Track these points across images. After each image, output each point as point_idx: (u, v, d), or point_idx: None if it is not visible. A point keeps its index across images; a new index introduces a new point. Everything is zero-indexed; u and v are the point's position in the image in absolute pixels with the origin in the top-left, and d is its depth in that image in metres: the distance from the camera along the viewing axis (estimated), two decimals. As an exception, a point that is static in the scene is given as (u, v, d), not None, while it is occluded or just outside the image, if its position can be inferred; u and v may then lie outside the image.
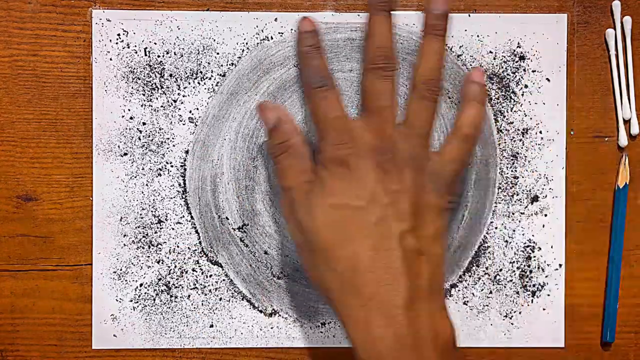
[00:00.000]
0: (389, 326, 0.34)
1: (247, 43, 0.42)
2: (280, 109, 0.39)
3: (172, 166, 0.42)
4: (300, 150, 0.38)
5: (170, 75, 0.41)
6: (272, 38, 0.42)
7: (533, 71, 0.42)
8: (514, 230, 0.42)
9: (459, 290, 0.42)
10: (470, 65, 0.42)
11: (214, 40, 0.41)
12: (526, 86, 0.42)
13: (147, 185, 0.42)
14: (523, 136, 0.42)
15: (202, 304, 0.42)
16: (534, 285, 0.42)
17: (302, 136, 0.39)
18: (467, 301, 0.42)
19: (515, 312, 0.42)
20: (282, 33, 0.42)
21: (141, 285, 0.42)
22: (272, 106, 0.39)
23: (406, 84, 0.42)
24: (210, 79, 0.42)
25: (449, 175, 0.37)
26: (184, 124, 0.42)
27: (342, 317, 0.35)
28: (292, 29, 0.41)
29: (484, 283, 0.42)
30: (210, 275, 0.42)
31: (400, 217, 0.35)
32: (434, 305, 0.35)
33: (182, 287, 0.42)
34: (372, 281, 0.34)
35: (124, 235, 0.42)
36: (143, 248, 0.42)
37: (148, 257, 0.42)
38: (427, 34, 0.38)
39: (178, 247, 0.42)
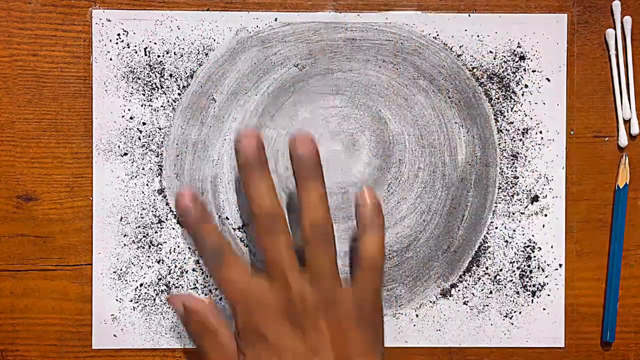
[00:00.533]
0: None
1: (247, 43, 0.42)
2: (187, 296, 0.38)
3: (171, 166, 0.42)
4: (217, 332, 0.37)
5: (170, 75, 0.41)
6: (271, 38, 0.42)
7: (533, 71, 0.42)
8: (514, 230, 0.42)
9: (459, 290, 0.42)
10: (471, 65, 0.42)
11: (214, 40, 0.41)
12: (526, 86, 0.42)
13: (147, 185, 0.42)
14: (523, 136, 0.42)
15: (202, 304, 0.42)
16: (534, 285, 0.42)
17: (218, 312, 0.37)
18: (467, 301, 0.42)
19: (515, 312, 0.42)
20: (282, 33, 0.42)
21: (141, 285, 0.42)
22: (177, 297, 0.38)
23: (406, 84, 0.42)
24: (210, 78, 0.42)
25: (368, 308, 0.36)
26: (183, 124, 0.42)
27: None
28: (292, 31, 0.41)
29: (484, 283, 0.42)
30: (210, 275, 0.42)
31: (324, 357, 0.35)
32: None
33: (182, 287, 0.42)
34: None
35: (124, 235, 0.42)
36: (143, 248, 0.42)
37: (148, 257, 0.42)
38: (301, 183, 0.36)
39: (178, 247, 0.42)
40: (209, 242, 0.36)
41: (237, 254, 0.37)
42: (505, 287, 0.42)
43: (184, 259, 0.42)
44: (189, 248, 0.42)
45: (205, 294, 0.42)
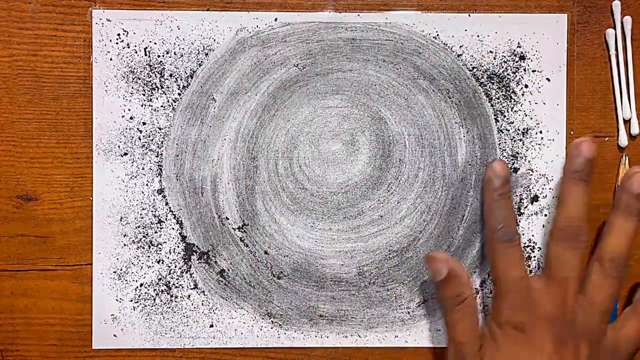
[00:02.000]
0: None
1: (247, 43, 0.42)
2: (451, 259, 0.39)
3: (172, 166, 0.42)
4: (472, 304, 0.38)
5: (170, 75, 0.42)
6: (271, 38, 0.42)
7: (533, 71, 0.42)
8: None
9: (459, 290, 0.42)
10: (471, 65, 0.42)
11: (214, 40, 0.41)
12: (526, 86, 0.42)
13: (147, 185, 0.42)
14: (523, 136, 0.42)
15: (202, 304, 0.42)
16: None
17: (473, 289, 0.39)
18: (467, 301, 0.42)
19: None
20: (282, 33, 0.42)
21: (141, 285, 0.42)
22: (443, 257, 0.39)
23: (406, 84, 0.42)
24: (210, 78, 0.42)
25: (625, 354, 0.37)
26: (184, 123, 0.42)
27: None
28: (292, 31, 0.41)
29: (484, 283, 0.42)
30: (210, 275, 0.42)
31: None
32: None
33: (182, 287, 0.42)
34: None
35: (124, 235, 0.42)
36: (143, 248, 0.42)
37: (148, 257, 0.42)
38: (620, 213, 0.37)
39: (178, 247, 0.42)
40: (508, 217, 0.38)
41: (521, 245, 0.38)
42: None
43: (184, 259, 0.42)
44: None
45: (205, 294, 0.42)
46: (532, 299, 0.37)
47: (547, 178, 0.42)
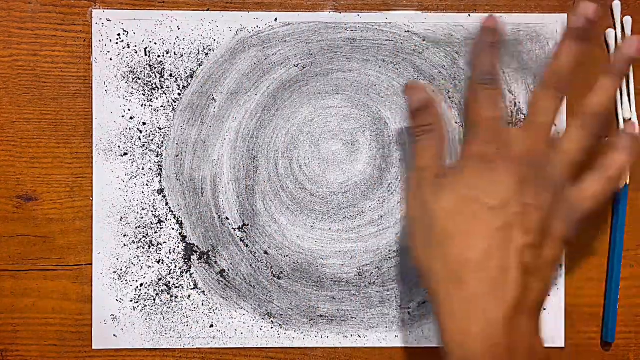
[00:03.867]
0: (486, 329, 0.33)
1: (247, 43, 0.42)
2: (427, 91, 0.38)
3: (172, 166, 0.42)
4: (442, 135, 0.38)
5: (170, 75, 0.41)
6: (271, 38, 0.42)
7: (533, 71, 0.42)
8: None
9: (459, 290, 0.42)
10: (466, 65, 0.42)
11: (214, 40, 0.41)
12: (526, 86, 0.42)
13: (147, 185, 0.42)
14: (523, 136, 0.42)
15: (202, 304, 0.42)
16: (534, 285, 0.42)
17: (445, 122, 0.39)
18: (467, 301, 0.42)
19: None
20: (282, 33, 0.42)
21: (141, 285, 0.42)
22: (420, 86, 0.38)
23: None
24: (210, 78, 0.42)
25: (584, 211, 0.37)
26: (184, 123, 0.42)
27: (439, 306, 0.35)
28: (292, 31, 0.41)
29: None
30: (210, 275, 0.42)
31: (525, 230, 0.34)
32: (533, 324, 0.34)
33: (182, 287, 0.42)
34: (480, 280, 0.34)
35: (124, 235, 0.42)
36: (143, 248, 0.42)
37: (148, 257, 0.42)
38: (606, 72, 0.37)
39: (178, 247, 0.42)
40: (492, 63, 0.37)
41: (501, 93, 0.37)
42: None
43: (184, 259, 0.42)
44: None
45: (205, 294, 0.42)
46: (505, 138, 0.36)
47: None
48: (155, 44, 0.41)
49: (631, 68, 0.42)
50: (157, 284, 0.42)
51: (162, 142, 0.42)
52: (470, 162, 0.36)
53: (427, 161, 0.37)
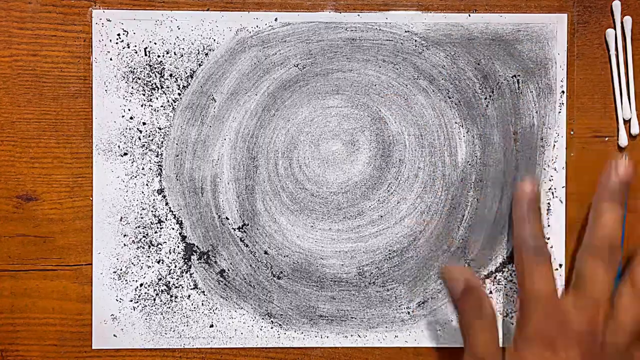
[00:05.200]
0: None
1: (247, 43, 0.42)
2: (466, 270, 0.39)
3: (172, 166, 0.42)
4: (492, 316, 0.38)
5: (170, 75, 0.42)
6: (271, 38, 0.42)
7: (533, 71, 0.42)
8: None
9: (459, 290, 0.42)
10: (471, 65, 0.42)
11: (214, 40, 0.41)
12: (526, 86, 0.42)
13: (147, 185, 0.42)
14: (523, 136, 0.42)
15: (202, 304, 0.42)
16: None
17: (491, 300, 0.38)
18: (467, 301, 0.42)
19: (515, 312, 0.42)
20: (282, 33, 0.42)
21: (141, 285, 0.42)
22: (458, 270, 0.39)
23: (406, 84, 0.42)
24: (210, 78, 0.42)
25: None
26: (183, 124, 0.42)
27: None
28: (292, 31, 0.41)
29: (484, 283, 0.42)
30: (210, 275, 0.42)
31: None
32: None
33: (182, 287, 0.42)
34: None
35: (124, 235, 0.42)
36: (143, 248, 0.42)
37: (148, 257, 0.42)
38: (604, 201, 0.37)
39: (178, 247, 0.42)
40: (537, 231, 0.37)
41: (551, 263, 0.38)
42: (505, 287, 0.42)
43: (184, 259, 0.42)
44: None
45: (205, 294, 0.42)
46: (562, 316, 0.36)
47: (547, 178, 0.42)
48: (155, 44, 0.41)
49: (631, 68, 0.42)
50: (157, 284, 0.42)
51: (162, 142, 0.42)
52: (530, 347, 0.36)
53: (484, 350, 0.37)
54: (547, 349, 0.36)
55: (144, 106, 0.42)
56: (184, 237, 0.42)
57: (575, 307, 0.37)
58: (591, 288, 0.37)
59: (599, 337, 0.36)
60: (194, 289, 0.42)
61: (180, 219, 0.42)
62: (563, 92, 0.42)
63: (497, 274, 0.42)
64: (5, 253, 0.41)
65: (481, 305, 0.37)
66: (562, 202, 0.42)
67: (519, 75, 0.42)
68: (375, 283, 0.42)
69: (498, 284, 0.42)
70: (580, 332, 0.36)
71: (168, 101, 0.42)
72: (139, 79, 0.41)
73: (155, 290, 0.42)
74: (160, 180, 0.42)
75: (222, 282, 0.42)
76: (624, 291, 0.37)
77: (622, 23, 0.42)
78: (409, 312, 0.42)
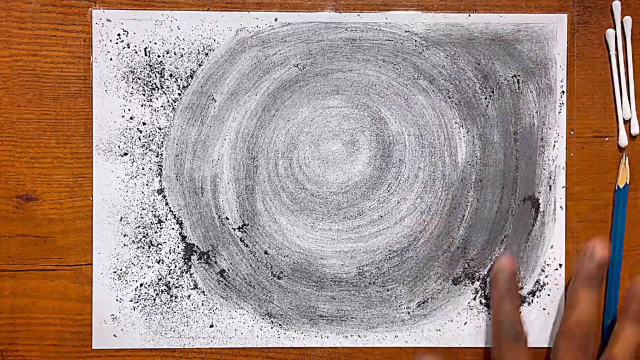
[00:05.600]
0: None
1: (247, 43, 0.42)
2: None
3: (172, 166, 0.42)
4: None
5: (171, 75, 0.41)
6: (271, 38, 0.42)
7: (533, 71, 0.42)
8: (514, 231, 0.42)
9: (459, 290, 0.42)
10: (471, 65, 0.42)
11: (214, 40, 0.41)
12: (526, 86, 0.42)
13: (147, 185, 0.42)
14: (523, 136, 0.42)
15: (202, 304, 0.42)
16: (534, 285, 0.42)
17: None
18: (468, 301, 0.42)
19: None
20: (282, 33, 0.42)
21: (141, 285, 0.42)
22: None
23: (406, 84, 0.42)
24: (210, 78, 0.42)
25: None
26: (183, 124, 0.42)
27: None
28: (292, 31, 0.42)
29: (484, 283, 0.42)
30: (210, 275, 0.42)
31: None
32: None
33: (182, 287, 0.42)
34: None
35: (124, 235, 0.42)
36: (143, 248, 0.42)
37: (148, 257, 0.42)
38: (630, 322, 0.37)
39: (178, 247, 0.42)
40: (513, 313, 0.38)
41: (527, 343, 0.38)
42: (505, 287, 0.42)
43: (184, 259, 0.42)
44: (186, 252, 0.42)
45: (205, 294, 0.42)
46: None
47: (547, 178, 0.42)
48: (155, 44, 0.41)
49: (631, 68, 0.42)
50: (157, 284, 0.42)
51: (162, 142, 0.42)
52: None
53: None
54: None
55: (144, 106, 0.42)
56: (184, 237, 0.42)
57: None
58: None
59: None
60: (194, 289, 0.42)
61: (180, 219, 0.42)
62: (563, 92, 0.42)
63: None
64: (5, 253, 0.41)
65: None
66: (562, 202, 0.42)
67: (519, 75, 0.42)
68: (375, 283, 0.42)
69: None
70: None
71: (168, 101, 0.42)
72: (139, 79, 0.41)
73: (155, 290, 0.42)
74: (160, 180, 0.42)
75: (222, 282, 0.42)
76: None
77: (622, 23, 0.42)
78: (409, 312, 0.42)
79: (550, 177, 0.42)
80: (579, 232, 0.42)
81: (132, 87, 0.41)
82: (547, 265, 0.42)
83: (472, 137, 0.42)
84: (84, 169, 0.42)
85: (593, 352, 0.37)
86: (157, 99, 0.42)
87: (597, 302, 0.37)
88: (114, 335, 0.42)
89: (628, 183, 0.42)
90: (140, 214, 0.42)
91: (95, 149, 0.41)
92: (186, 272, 0.42)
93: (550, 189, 0.42)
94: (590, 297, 0.37)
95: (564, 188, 0.42)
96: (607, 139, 0.42)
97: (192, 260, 0.42)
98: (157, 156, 0.42)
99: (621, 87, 0.42)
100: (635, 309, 0.37)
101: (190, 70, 0.42)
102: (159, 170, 0.42)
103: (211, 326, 0.42)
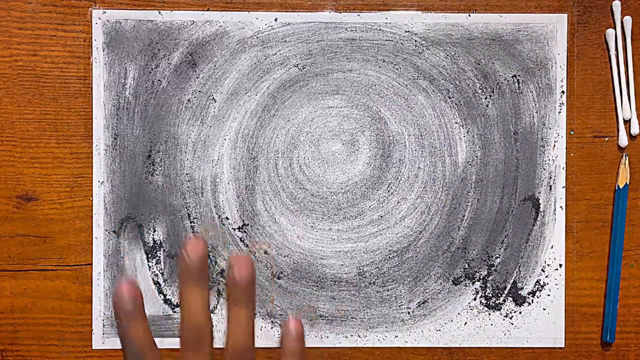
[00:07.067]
0: None
1: (247, 43, 0.42)
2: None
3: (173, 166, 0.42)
4: None
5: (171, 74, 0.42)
6: (271, 38, 0.42)
7: (533, 71, 0.42)
8: (514, 231, 0.42)
9: (459, 290, 0.42)
10: (471, 65, 0.42)
11: (214, 40, 0.41)
12: (526, 86, 0.42)
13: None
14: (523, 136, 0.42)
15: (202, 304, 0.42)
16: (534, 285, 0.42)
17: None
18: (468, 301, 0.42)
19: (515, 312, 0.42)
20: (282, 33, 0.42)
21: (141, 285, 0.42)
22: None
23: (406, 84, 0.42)
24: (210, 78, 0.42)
25: None
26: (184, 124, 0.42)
27: None
28: (292, 31, 0.42)
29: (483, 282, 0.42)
30: (210, 275, 0.42)
31: None
32: None
33: (182, 287, 0.42)
34: None
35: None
36: (143, 248, 0.42)
37: (148, 257, 0.42)
38: (232, 304, 0.34)
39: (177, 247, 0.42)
40: (135, 342, 0.34)
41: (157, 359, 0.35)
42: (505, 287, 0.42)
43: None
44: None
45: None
46: None
47: (547, 178, 0.42)
48: (156, 43, 0.41)
49: (631, 68, 0.42)
50: (157, 283, 0.42)
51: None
52: None
53: None
54: None
55: (144, 106, 0.42)
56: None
57: None
58: None
59: None
60: (194, 289, 0.42)
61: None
62: (563, 92, 0.42)
63: None
64: (5, 253, 0.41)
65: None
66: (562, 202, 0.42)
67: (519, 75, 0.42)
68: (375, 283, 0.42)
69: None
70: None
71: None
72: (139, 79, 0.41)
73: (155, 290, 0.42)
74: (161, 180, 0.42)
75: (222, 282, 0.42)
76: None
77: (622, 23, 0.42)
78: (409, 312, 0.42)
79: (550, 177, 0.42)
80: (579, 232, 0.42)
81: (132, 87, 0.41)
82: (547, 265, 0.42)
83: (472, 137, 0.42)
84: (84, 169, 0.42)
85: (211, 347, 0.35)
86: (157, 99, 0.42)
87: (205, 297, 0.33)
88: (114, 335, 0.42)
89: (628, 183, 0.42)
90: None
91: (95, 149, 0.41)
92: (186, 272, 0.42)
93: (550, 189, 0.42)
94: (195, 295, 0.33)
95: (564, 188, 0.42)
96: (607, 139, 0.42)
97: (192, 260, 0.42)
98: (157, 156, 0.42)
99: (621, 87, 0.42)
100: (234, 294, 0.34)
101: (190, 70, 0.41)
102: (159, 170, 0.42)
103: (211, 326, 0.42)
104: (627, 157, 0.42)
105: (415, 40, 0.42)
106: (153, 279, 0.42)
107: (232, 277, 0.34)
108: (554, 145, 0.42)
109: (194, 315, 0.34)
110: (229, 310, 0.34)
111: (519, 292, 0.42)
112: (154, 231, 0.41)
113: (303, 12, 0.42)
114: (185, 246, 0.34)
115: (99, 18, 0.41)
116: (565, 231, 0.42)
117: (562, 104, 0.42)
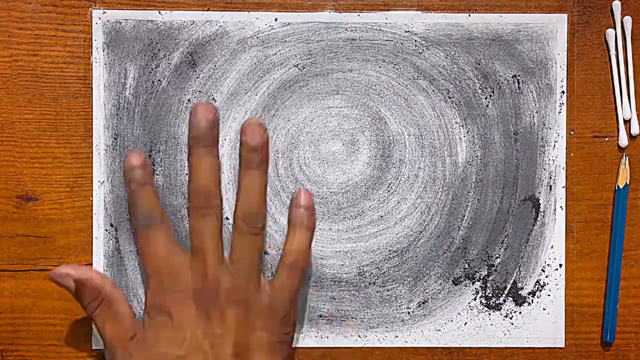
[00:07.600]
0: None
1: (247, 43, 0.42)
2: (75, 269, 0.37)
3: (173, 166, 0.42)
4: (112, 301, 0.36)
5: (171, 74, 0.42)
6: (271, 38, 0.42)
7: (533, 71, 0.42)
8: (514, 231, 0.42)
9: (459, 290, 0.42)
10: (471, 65, 0.42)
11: (214, 40, 0.41)
12: (526, 86, 0.42)
13: (147, 185, 0.42)
14: (523, 136, 0.42)
15: (202, 304, 0.42)
16: (534, 285, 0.42)
17: (114, 284, 0.37)
18: (468, 301, 0.42)
19: (515, 312, 0.42)
20: (282, 33, 0.42)
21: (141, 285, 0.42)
22: (64, 270, 0.37)
23: (406, 84, 0.42)
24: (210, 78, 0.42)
25: (281, 307, 0.36)
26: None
27: None
28: (292, 31, 0.42)
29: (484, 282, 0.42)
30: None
31: None
32: None
33: (182, 287, 0.42)
34: None
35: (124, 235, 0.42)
36: (143, 248, 0.42)
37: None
38: (244, 168, 0.35)
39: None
40: (146, 203, 0.35)
41: (167, 226, 0.36)
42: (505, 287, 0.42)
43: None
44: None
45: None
46: (175, 277, 0.35)
47: (547, 178, 0.42)
48: (156, 43, 0.41)
49: (631, 68, 0.42)
50: (157, 284, 0.42)
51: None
52: (151, 317, 0.35)
53: (111, 335, 0.36)
54: (163, 314, 0.34)
55: (144, 106, 0.42)
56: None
57: (187, 265, 0.35)
58: (197, 240, 0.35)
59: (211, 286, 0.34)
60: (194, 289, 0.42)
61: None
62: (563, 92, 0.42)
63: None
64: (5, 253, 0.41)
65: (96, 295, 0.36)
66: (562, 202, 0.42)
67: (519, 75, 0.42)
68: (375, 283, 0.42)
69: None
70: (191, 287, 0.35)
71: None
72: (139, 79, 0.41)
73: (155, 290, 0.42)
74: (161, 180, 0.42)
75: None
76: (232, 233, 0.35)
77: (622, 23, 0.42)
78: (409, 312, 0.42)
79: (550, 177, 0.42)
80: (579, 232, 0.42)
81: (132, 87, 0.41)
82: (547, 265, 0.42)
83: (472, 137, 0.42)
84: (84, 169, 0.42)
85: (218, 212, 0.35)
86: (157, 99, 0.42)
87: (213, 161, 0.35)
88: (114, 335, 0.42)
89: (628, 183, 0.42)
90: (140, 214, 0.42)
91: (95, 149, 0.41)
92: (186, 272, 0.42)
93: (550, 189, 0.42)
94: (204, 157, 0.34)
95: (564, 188, 0.42)
96: (607, 139, 0.42)
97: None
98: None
99: (621, 87, 0.42)
100: (246, 157, 0.35)
101: (190, 69, 0.42)
102: (159, 170, 0.42)
103: (211, 326, 0.42)
104: (627, 157, 0.42)
105: (415, 40, 0.42)
106: None
107: (245, 139, 0.34)
108: (554, 145, 0.42)
109: (202, 180, 0.35)
110: (242, 177, 0.35)
111: (519, 292, 0.42)
112: None
113: (303, 12, 0.42)
114: (196, 111, 0.34)
115: (99, 18, 0.41)
116: (565, 231, 0.42)
117: (562, 104, 0.42)
